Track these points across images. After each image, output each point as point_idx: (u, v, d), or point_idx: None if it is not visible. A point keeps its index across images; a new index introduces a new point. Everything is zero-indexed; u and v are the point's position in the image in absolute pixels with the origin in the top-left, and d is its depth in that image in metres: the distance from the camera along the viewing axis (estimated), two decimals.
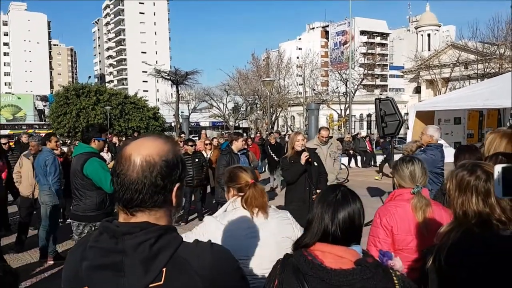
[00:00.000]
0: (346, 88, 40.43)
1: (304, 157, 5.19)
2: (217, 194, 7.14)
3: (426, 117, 9.21)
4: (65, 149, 9.46)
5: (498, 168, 1.33)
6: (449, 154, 5.89)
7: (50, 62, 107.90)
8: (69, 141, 25.14)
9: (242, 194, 2.42)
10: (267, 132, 25.33)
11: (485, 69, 33.44)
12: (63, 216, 8.18)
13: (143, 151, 1.12)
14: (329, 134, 7.76)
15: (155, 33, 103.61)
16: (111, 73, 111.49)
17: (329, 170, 7.00)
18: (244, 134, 36.11)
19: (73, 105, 39.17)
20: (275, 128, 45.47)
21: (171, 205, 1.16)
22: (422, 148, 5.56)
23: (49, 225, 6.22)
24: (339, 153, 7.72)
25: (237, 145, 6.46)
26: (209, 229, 2.33)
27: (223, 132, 46.87)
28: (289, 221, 2.43)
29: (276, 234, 2.32)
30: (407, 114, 10.11)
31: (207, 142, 10.50)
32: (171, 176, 1.13)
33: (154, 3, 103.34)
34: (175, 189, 1.15)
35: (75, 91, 40.22)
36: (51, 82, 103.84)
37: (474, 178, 1.68)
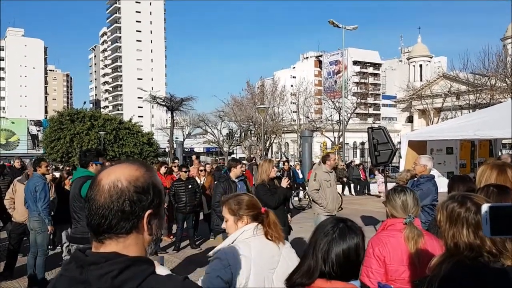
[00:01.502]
0: (339, 116, 40.73)
1: (286, 182, 5.50)
2: (212, 222, 6.94)
3: (418, 146, 9.29)
4: (57, 174, 9.38)
5: (485, 208, 1.27)
6: (443, 184, 5.93)
7: (46, 87, 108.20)
8: (61, 166, 24.94)
9: (258, 221, 2.33)
10: (260, 158, 25.38)
11: (477, 100, 33.86)
12: (52, 243, 8.06)
13: (112, 176, 1.11)
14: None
15: (152, 60, 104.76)
16: (106, 98, 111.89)
17: (336, 198, 6.90)
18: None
19: (67, 130, 39.02)
20: (269, 154, 45.51)
21: (142, 233, 1.13)
22: (416, 179, 5.57)
23: (38, 252, 6.12)
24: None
25: (235, 172, 6.18)
26: (232, 260, 2.18)
27: (216, 158, 46.75)
28: (292, 249, 2.45)
29: (288, 262, 2.31)
30: (399, 143, 10.19)
31: (201, 168, 10.48)
32: (141, 202, 1.11)
33: (151, 31, 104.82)
34: (145, 215, 1.12)
35: (70, 116, 40.16)
36: (45, 107, 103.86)
37: (465, 210, 1.69)
